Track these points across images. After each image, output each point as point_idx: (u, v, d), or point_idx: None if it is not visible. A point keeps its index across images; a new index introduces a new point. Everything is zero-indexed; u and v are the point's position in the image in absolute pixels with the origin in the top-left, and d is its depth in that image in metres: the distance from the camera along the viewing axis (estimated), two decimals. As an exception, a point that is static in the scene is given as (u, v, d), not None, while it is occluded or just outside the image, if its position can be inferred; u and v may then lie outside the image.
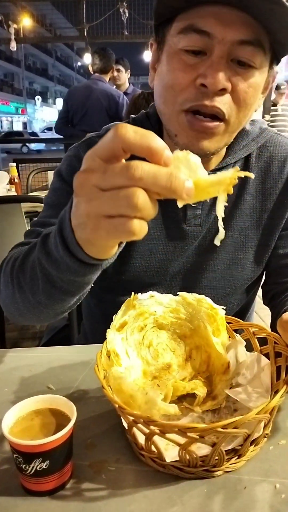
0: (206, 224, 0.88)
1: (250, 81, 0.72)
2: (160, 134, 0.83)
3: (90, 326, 0.82)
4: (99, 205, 0.46)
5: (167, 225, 0.87)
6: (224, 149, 0.86)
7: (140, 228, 0.45)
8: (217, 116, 0.73)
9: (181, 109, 0.73)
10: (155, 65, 0.79)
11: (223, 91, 0.71)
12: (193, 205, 0.85)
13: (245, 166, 0.90)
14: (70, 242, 0.55)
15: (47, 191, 0.92)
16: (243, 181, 0.88)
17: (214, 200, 0.85)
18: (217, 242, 0.52)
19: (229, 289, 0.91)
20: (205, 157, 0.78)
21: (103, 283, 0.81)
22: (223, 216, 0.47)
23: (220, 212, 0.48)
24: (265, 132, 0.91)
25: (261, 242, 0.91)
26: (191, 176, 0.45)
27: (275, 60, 0.77)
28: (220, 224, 0.49)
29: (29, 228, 0.88)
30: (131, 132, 0.43)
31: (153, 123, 0.87)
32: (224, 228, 0.88)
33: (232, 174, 0.45)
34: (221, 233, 0.49)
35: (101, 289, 0.83)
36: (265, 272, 0.96)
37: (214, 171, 0.84)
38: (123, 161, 0.44)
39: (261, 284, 0.99)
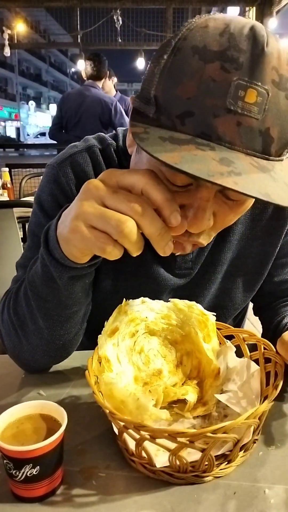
0: (196, 266, 0.84)
1: (239, 211, 0.63)
2: None
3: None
4: (92, 214, 0.51)
5: (157, 266, 0.83)
6: None
7: (112, 251, 0.51)
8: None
9: None
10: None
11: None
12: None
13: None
14: (51, 240, 0.61)
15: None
16: None
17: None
18: None
19: (218, 318, 0.83)
20: None
21: (91, 318, 0.80)
22: None
23: None
24: None
25: (252, 270, 0.87)
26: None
27: None
28: None
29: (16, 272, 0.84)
30: (155, 183, 0.50)
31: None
32: (213, 263, 0.85)
33: None
34: None
35: (89, 324, 0.81)
36: (257, 293, 0.92)
37: None
38: None
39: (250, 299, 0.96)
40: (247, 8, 6.80)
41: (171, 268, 0.84)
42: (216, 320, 0.71)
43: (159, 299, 0.85)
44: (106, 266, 0.83)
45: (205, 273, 0.86)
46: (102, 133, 0.85)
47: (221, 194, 0.59)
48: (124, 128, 0.83)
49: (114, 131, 0.85)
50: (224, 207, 0.61)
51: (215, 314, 0.71)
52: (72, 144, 0.83)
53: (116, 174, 0.52)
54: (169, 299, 0.74)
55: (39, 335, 0.72)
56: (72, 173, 0.78)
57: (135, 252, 0.52)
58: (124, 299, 0.69)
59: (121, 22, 7.45)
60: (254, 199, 0.57)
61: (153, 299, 0.85)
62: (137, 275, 0.84)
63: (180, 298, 0.85)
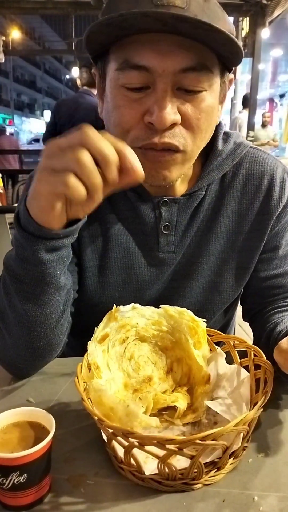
0: (180, 250, 0.86)
1: (201, 107, 0.69)
2: None
3: (67, 355, 0.83)
4: (51, 160, 0.56)
5: (140, 254, 0.85)
6: (192, 170, 0.83)
7: (75, 184, 0.54)
8: (170, 149, 0.70)
9: (133, 146, 0.67)
10: (102, 96, 0.76)
11: (172, 125, 0.67)
12: (165, 232, 0.84)
13: (221, 187, 0.86)
14: (22, 214, 0.63)
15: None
16: (218, 204, 0.85)
17: (187, 225, 0.86)
18: None
19: (207, 312, 0.89)
20: (169, 186, 0.77)
21: (80, 317, 0.81)
22: None
23: None
24: (240, 148, 0.86)
25: (239, 264, 0.88)
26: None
27: (226, 69, 0.73)
28: None
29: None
30: (94, 135, 0.55)
31: None
32: (200, 253, 0.87)
33: None
34: None
35: (78, 322, 0.82)
36: (245, 292, 0.94)
37: (187, 195, 0.83)
38: None
39: (239, 302, 0.98)
40: (240, 18, 6.89)
41: (154, 254, 0.85)
42: (205, 314, 0.71)
43: (148, 292, 0.87)
44: (91, 263, 0.84)
45: (192, 264, 0.87)
46: None
47: (178, 91, 0.67)
48: None
49: None
50: (186, 104, 0.68)
51: (205, 320, 0.71)
52: None
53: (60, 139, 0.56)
54: (160, 306, 0.74)
55: (19, 324, 0.71)
56: None
57: (96, 192, 0.55)
58: (115, 305, 0.69)
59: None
60: (213, 95, 0.70)
61: (141, 291, 0.87)
62: (121, 268, 0.85)
63: (169, 290, 0.89)
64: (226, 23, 0.67)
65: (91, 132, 0.55)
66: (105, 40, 0.67)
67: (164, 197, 0.81)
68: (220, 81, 0.72)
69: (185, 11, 0.62)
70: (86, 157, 0.53)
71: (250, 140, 5.75)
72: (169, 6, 0.62)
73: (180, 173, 0.76)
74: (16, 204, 2.92)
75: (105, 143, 0.54)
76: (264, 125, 7.16)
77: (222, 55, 0.68)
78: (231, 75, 0.77)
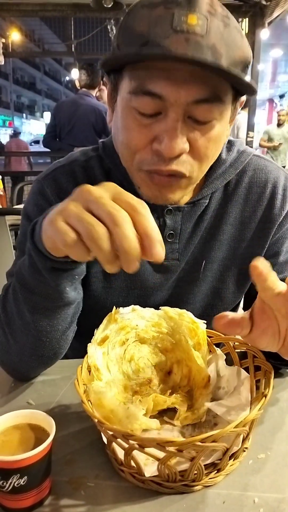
0: (184, 257, 0.85)
1: (210, 136, 0.68)
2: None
3: (69, 357, 0.83)
4: (72, 212, 0.52)
5: (145, 261, 0.82)
6: (201, 180, 0.80)
7: (76, 249, 0.51)
8: (176, 175, 0.69)
9: (139, 168, 0.70)
10: (112, 105, 0.75)
11: (180, 153, 0.67)
12: (169, 240, 0.83)
13: (224, 195, 0.86)
14: (36, 232, 0.63)
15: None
16: (221, 211, 0.85)
17: (191, 233, 0.86)
18: None
19: (208, 317, 0.87)
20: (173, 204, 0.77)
21: (83, 320, 0.81)
22: None
23: None
24: (244, 156, 0.86)
25: (242, 271, 0.88)
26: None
27: (238, 94, 0.71)
28: None
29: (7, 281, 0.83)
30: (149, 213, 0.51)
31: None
32: (202, 261, 0.87)
33: None
34: None
35: (80, 325, 0.82)
36: (246, 297, 0.94)
37: (191, 203, 0.83)
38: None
39: (241, 307, 0.98)
40: (239, 19, 6.90)
41: None
42: (207, 319, 0.71)
43: (151, 298, 0.87)
44: (95, 269, 0.84)
45: (196, 271, 0.87)
46: (86, 147, 0.89)
47: (189, 119, 0.66)
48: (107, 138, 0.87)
49: (101, 141, 0.88)
50: (195, 133, 0.67)
51: (205, 322, 0.71)
52: (56, 161, 0.89)
53: (116, 192, 0.52)
54: (160, 307, 0.74)
55: (26, 331, 0.72)
56: (55, 185, 0.83)
57: (106, 264, 0.50)
58: (114, 307, 0.69)
59: (114, 32, 7.47)
60: (223, 123, 0.69)
61: (145, 297, 0.87)
62: (126, 274, 0.83)
63: (173, 296, 0.89)
64: (244, 50, 0.66)
65: (124, 216, 0.49)
66: (121, 62, 0.68)
67: (168, 205, 0.81)
68: (231, 107, 0.71)
69: (203, 40, 0.61)
70: (101, 236, 0.49)
71: (250, 140, 5.75)
72: (188, 33, 0.60)
73: (183, 195, 0.75)
74: (16, 206, 2.92)
75: (130, 235, 0.48)
76: (279, 124, 7.05)
77: (234, 86, 0.67)
78: (242, 98, 0.75)
